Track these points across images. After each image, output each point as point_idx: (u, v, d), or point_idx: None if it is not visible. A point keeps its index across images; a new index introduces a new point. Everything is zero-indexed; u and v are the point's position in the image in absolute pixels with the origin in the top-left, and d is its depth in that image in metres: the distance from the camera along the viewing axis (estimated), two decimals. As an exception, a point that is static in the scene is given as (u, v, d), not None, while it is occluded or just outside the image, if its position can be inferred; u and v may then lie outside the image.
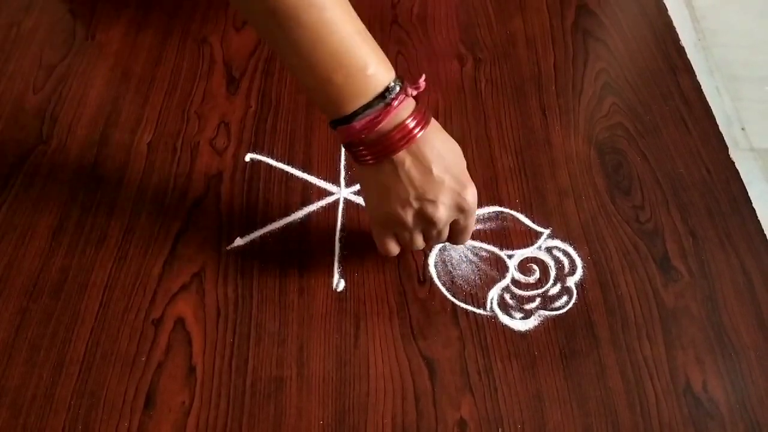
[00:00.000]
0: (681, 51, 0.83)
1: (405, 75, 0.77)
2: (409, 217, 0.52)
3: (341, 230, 0.66)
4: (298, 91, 0.77)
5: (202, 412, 0.55)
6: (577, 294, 0.62)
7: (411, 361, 0.58)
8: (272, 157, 0.72)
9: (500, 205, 0.68)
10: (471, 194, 0.53)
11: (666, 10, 0.88)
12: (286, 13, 0.45)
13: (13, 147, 0.72)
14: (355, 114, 0.48)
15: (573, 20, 0.87)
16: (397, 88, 0.48)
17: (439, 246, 0.65)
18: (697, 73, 0.80)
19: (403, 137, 0.49)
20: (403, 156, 0.50)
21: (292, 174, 0.70)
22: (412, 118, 0.49)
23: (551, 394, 0.56)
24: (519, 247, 0.65)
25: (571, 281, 0.63)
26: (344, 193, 0.69)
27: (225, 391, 0.56)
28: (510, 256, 0.64)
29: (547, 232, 0.66)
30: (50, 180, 0.69)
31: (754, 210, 0.68)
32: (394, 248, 0.57)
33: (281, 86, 0.78)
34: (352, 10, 0.49)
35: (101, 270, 0.63)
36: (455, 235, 0.57)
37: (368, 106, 0.48)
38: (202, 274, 0.63)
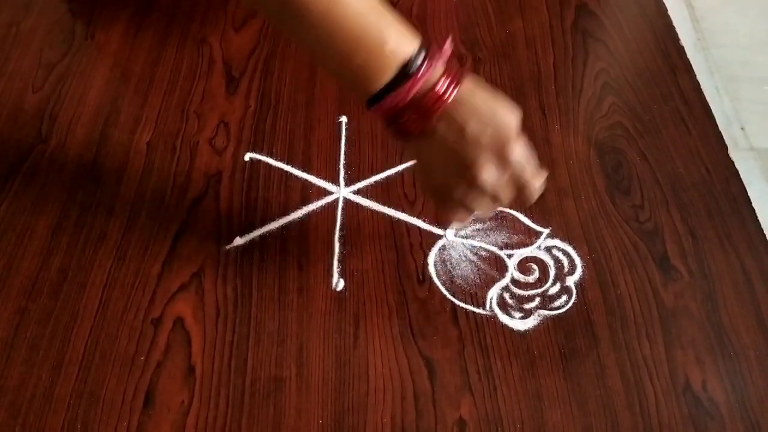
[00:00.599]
0: (681, 51, 0.83)
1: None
2: (454, 183, 0.49)
3: (341, 230, 0.66)
4: (298, 91, 0.77)
5: (201, 411, 0.55)
6: (577, 293, 0.62)
7: (410, 360, 0.58)
8: (272, 157, 0.72)
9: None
10: (516, 147, 0.48)
11: (666, 10, 0.88)
12: (296, 2, 0.45)
13: (13, 146, 0.72)
14: (383, 92, 0.46)
15: (573, 20, 0.87)
16: (419, 60, 0.46)
17: (438, 245, 0.65)
18: (696, 73, 0.80)
19: (436, 101, 0.46)
20: (435, 122, 0.47)
21: (292, 173, 0.70)
22: (442, 80, 0.46)
23: (551, 393, 0.56)
24: (518, 247, 0.65)
25: (571, 281, 0.63)
26: (344, 192, 0.69)
27: (224, 391, 0.56)
28: (509, 256, 0.64)
29: (546, 231, 0.66)
30: (49, 179, 0.69)
31: (753, 210, 0.68)
32: (462, 215, 0.53)
33: (281, 86, 0.78)
34: None
35: (100, 269, 0.63)
36: (519, 192, 0.51)
37: (393, 82, 0.46)
38: (201, 273, 0.63)
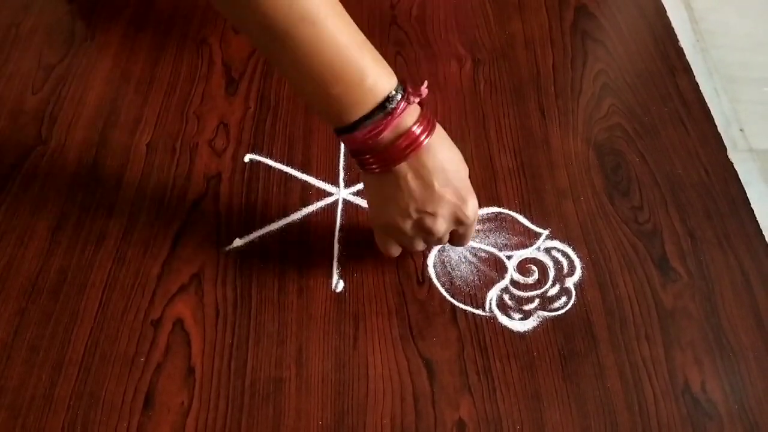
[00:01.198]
0: (680, 52, 0.83)
1: (404, 76, 0.77)
2: (408, 226, 0.53)
3: (340, 231, 0.66)
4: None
5: (201, 412, 0.55)
6: (576, 295, 0.62)
7: (410, 361, 0.58)
8: (271, 158, 0.72)
9: (499, 206, 0.68)
10: (471, 208, 0.53)
11: (665, 11, 0.88)
12: (279, 28, 0.44)
13: (12, 147, 0.72)
14: (357, 124, 0.48)
15: (572, 21, 0.87)
16: (398, 97, 0.48)
17: (438, 247, 0.65)
18: (695, 75, 0.80)
19: (409, 145, 0.48)
20: (406, 168, 0.49)
21: (291, 175, 0.70)
22: (417, 124, 0.48)
23: (550, 394, 0.56)
24: (518, 248, 0.65)
25: (570, 282, 0.63)
26: (343, 193, 0.69)
27: (224, 392, 0.56)
28: (509, 257, 0.65)
29: (545, 232, 0.66)
30: (49, 180, 0.69)
31: (752, 211, 0.68)
32: (395, 250, 0.58)
33: (280, 87, 0.78)
34: (347, 19, 0.47)
35: (100, 270, 0.63)
36: (454, 240, 0.58)
37: (369, 116, 0.47)
38: (201, 274, 0.63)
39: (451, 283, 0.63)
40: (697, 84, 0.79)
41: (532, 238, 0.66)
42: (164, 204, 0.68)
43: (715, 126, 0.75)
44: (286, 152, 0.72)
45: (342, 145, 0.72)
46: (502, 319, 0.60)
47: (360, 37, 0.48)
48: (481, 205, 0.67)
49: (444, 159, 0.50)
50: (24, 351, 0.58)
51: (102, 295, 0.61)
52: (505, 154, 0.72)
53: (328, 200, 0.68)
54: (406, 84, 0.50)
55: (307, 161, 0.71)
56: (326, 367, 0.57)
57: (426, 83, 0.51)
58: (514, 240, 0.66)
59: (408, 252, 0.59)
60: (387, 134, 0.48)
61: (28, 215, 0.67)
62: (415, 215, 0.52)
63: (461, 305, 0.61)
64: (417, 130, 0.48)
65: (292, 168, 0.71)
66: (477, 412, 0.55)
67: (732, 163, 0.72)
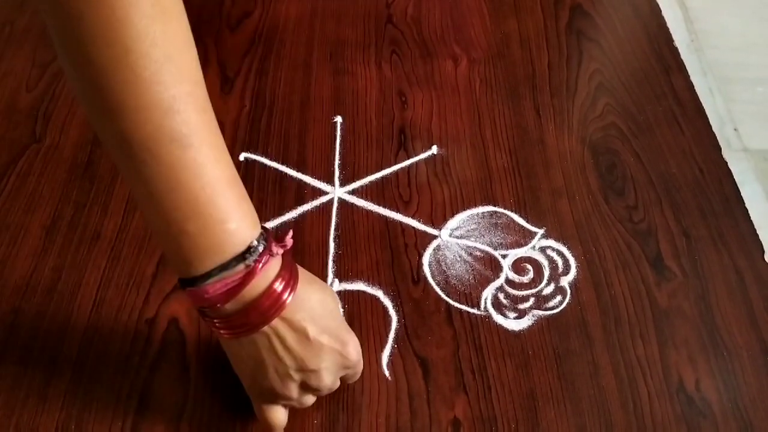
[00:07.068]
0: (674, 52, 0.83)
1: (400, 75, 0.77)
2: (293, 390, 0.46)
3: (335, 230, 0.66)
4: (293, 91, 0.77)
5: (196, 412, 0.55)
6: (571, 294, 0.62)
7: (405, 360, 0.58)
8: (266, 157, 0.71)
9: (494, 205, 0.68)
10: (354, 348, 0.48)
11: (659, 11, 0.88)
12: (142, 144, 0.37)
13: (6, 146, 0.72)
14: (208, 275, 0.40)
15: (567, 21, 0.87)
16: (261, 248, 0.41)
17: (433, 245, 0.65)
18: (690, 74, 0.81)
19: (272, 305, 0.42)
20: (276, 325, 0.43)
21: (287, 173, 0.70)
22: (279, 280, 0.42)
23: (545, 393, 0.56)
24: (513, 247, 0.65)
25: (565, 281, 0.63)
26: (338, 192, 0.69)
27: (218, 391, 0.56)
28: (504, 256, 0.65)
29: (541, 232, 0.66)
30: (43, 179, 0.69)
31: (746, 210, 0.68)
32: (282, 417, 0.50)
33: (275, 86, 0.78)
34: (223, 149, 0.41)
35: (95, 269, 0.63)
36: (345, 381, 0.53)
37: (224, 267, 0.40)
38: (196, 273, 0.62)
39: (447, 282, 0.63)
40: (691, 83, 0.80)
41: (527, 237, 0.66)
42: (159, 203, 0.67)
43: (710, 125, 0.75)
44: (281, 151, 0.72)
45: (337, 144, 0.72)
46: (497, 318, 0.60)
47: (233, 172, 0.41)
48: (476, 204, 0.68)
49: (314, 306, 0.45)
50: (18, 349, 0.58)
51: (96, 294, 0.61)
52: (501, 153, 0.72)
53: (324, 199, 0.68)
54: (269, 234, 0.43)
55: (303, 160, 0.71)
56: (321, 365, 0.57)
57: (290, 234, 0.44)
58: (509, 239, 0.66)
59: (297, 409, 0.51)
60: (246, 293, 0.41)
61: (22, 213, 0.66)
62: (297, 376, 0.45)
63: (456, 304, 0.61)
64: (279, 286, 0.42)
65: (287, 167, 0.71)
66: (472, 411, 0.55)
67: (726, 163, 0.72)
